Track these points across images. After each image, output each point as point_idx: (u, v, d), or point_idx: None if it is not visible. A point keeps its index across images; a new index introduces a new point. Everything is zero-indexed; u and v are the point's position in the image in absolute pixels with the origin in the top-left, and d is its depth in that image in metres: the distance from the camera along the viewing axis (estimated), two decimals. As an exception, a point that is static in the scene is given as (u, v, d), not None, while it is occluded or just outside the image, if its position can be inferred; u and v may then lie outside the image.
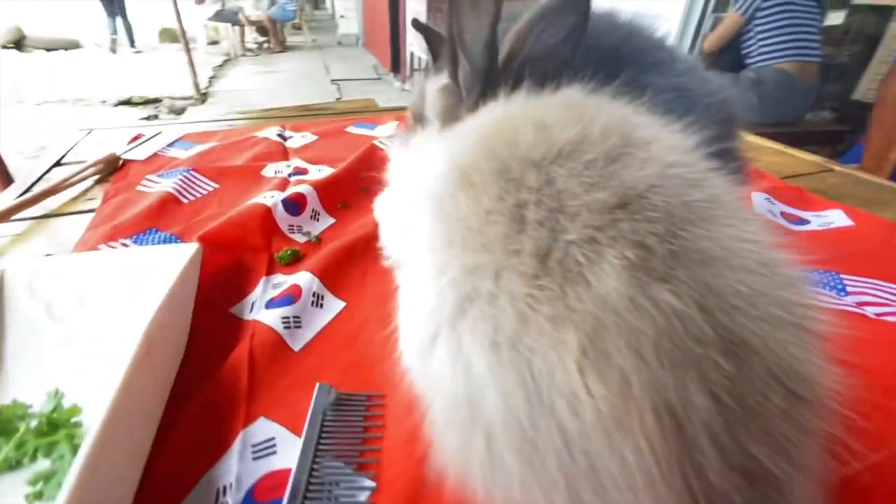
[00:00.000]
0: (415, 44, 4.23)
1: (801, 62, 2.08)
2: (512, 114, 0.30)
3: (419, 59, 4.36)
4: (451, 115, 0.38)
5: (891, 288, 0.44)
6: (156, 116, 3.87)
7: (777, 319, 0.21)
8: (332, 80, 4.87)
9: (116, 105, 4.06)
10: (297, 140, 0.83)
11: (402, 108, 1.10)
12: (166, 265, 0.41)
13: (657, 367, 0.19)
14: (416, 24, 0.44)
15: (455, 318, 0.24)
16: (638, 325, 0.19)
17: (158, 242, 0.52)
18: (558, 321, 0.20)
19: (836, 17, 2.82)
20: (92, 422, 0.29)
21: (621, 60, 0.42)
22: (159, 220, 0.56)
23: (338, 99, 4.23)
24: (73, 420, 0.30)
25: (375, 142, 0.77)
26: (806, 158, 0.87)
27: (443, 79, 0.42)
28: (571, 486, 0.20)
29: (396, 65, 4.83)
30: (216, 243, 0.49)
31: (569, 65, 0.38)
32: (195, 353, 0.39)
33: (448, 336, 0.24)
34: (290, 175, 0.69)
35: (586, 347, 0.19)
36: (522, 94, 0.33)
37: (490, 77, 0.35)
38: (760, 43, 2.10)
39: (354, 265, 0.50)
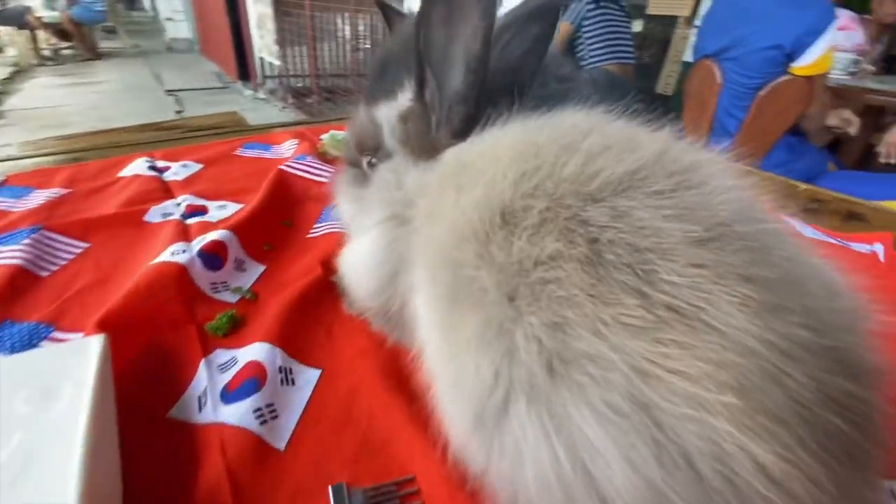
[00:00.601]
0: (264, 49, 3.91)
1: (621, 64, 2.48)
2: (533, 142, 0.27)
3: (270, 64, 4.05)
4: (424, 143, 0.34)
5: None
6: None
7: (854, 328, 0.22)
8: (168, 92, 4.25)
9: None
10: (177, 171, 0.69)
11: (290, 124, 1.00)
12: (66, 374, 0.29)
13: (806, 404, 0.18)
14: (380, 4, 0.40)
15: (541, 381, 0.21)
16: (781, 365, 0.18)
17: (21, 341, 0.37)
18: (694, 377, 0.18)
19: (637, 25, 3.44)
20: None
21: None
22: (12, 307, 0.41)
23: (179, 112, 3.72)
24: None
25: (282, 166, 0.67)
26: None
27: (401, 101, 0.37)
28: None
29: (244, 72, 4.42)
30: (121, 327, 0.37)
31: (535, 76, 0.37)
32: (136, 487, 0.28)
33: (530, 402, 0.21)
34: (183, 217, 0.56)
35: (735, 401, 0.18)
36: (525, 117, 0.31)
37: (481, 98, 0.31)
38: (589, 48, 2.47)
39: (315, 321, 0.42)
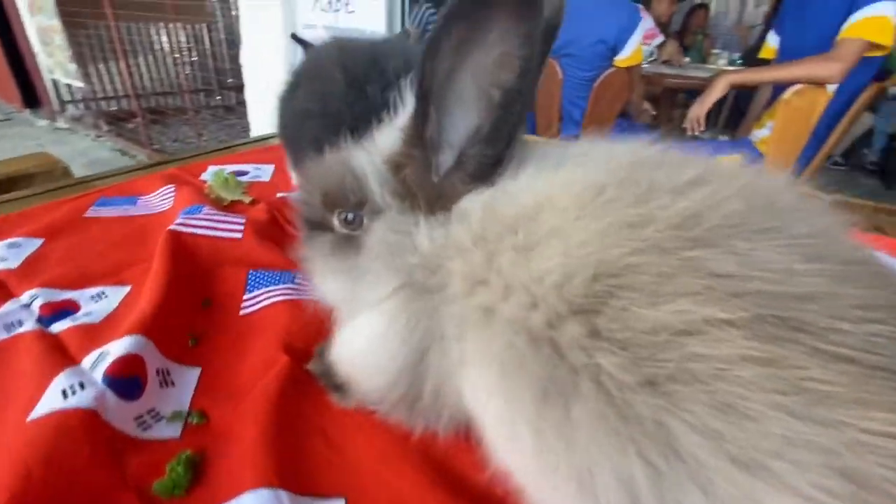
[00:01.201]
0: (57, 69, 3.18)
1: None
2: (598, 184, 0.23)
3: (69, 87, 3.31)
4: (430, 193, 0.28)
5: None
6: None
7: None
8: (-85, 132, 3.22)
9: None
10: (4, 256, 0.49)
11: (155, 165, 0.80)
12: None
13: None
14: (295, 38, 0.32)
15: (723, 474, 0.18)
16: None
17: None
18: None
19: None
20: None
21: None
22: None
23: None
24: None
25: (173, 227, 0.52)
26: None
27: (383, 143, 0.30)
28: None
29: (32, 98, 3.56)
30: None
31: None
32: None
33: (709, 498, 0.18)
34: (43, 324, 0.40)
35: None
36: (553, 153, 0.27)
37: (511, 140, 0.26)
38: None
39: (306, 432, 0.32)
